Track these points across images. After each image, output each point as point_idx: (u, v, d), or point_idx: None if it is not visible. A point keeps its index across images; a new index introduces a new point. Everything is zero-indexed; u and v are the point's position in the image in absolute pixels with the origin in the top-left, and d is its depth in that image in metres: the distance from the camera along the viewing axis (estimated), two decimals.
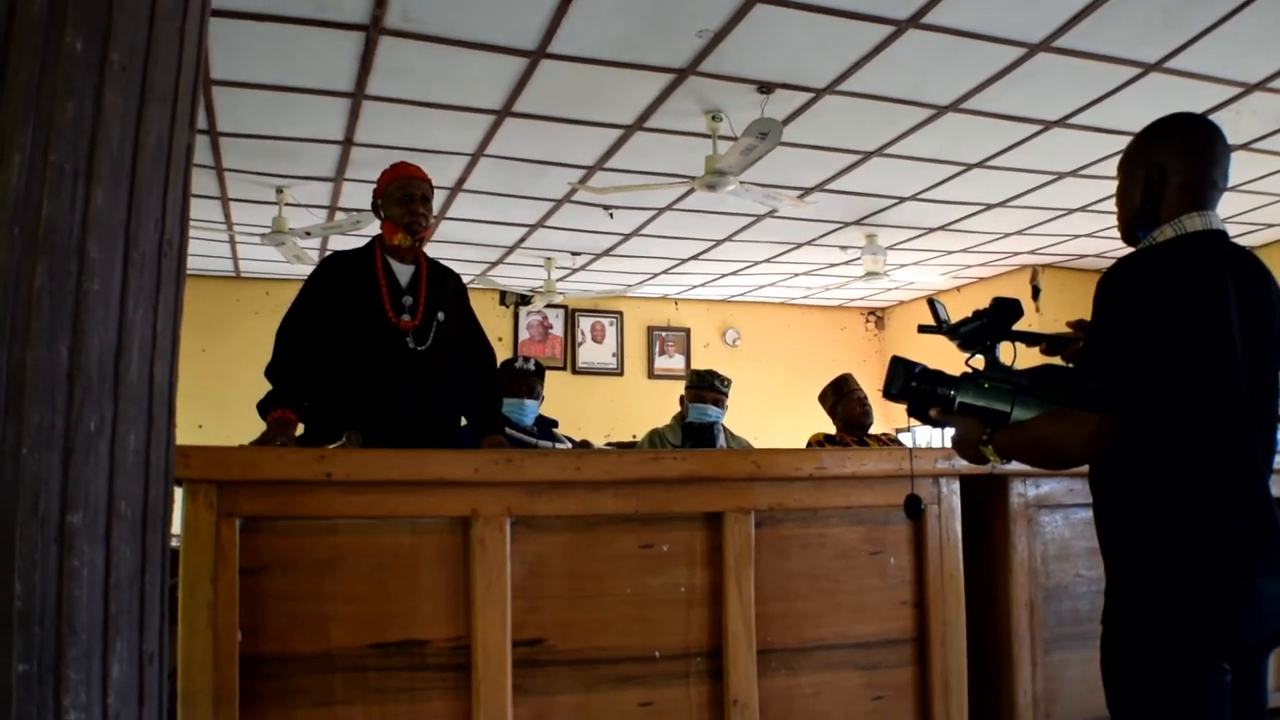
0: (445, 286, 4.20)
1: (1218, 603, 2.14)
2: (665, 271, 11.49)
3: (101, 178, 1.76)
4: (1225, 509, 2.19)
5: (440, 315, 4.08)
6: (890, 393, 2.54)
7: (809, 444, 6.11)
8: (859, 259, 10.31)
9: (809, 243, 10.12)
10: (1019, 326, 2.51)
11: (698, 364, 12.44)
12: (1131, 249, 2.39)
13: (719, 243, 10.08)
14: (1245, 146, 7.18)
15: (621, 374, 13.07)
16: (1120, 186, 2.45)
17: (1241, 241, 9.21)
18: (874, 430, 6.27)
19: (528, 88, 5.99)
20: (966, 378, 2.45)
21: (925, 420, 2.55)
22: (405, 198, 4.06)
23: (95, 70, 1.76)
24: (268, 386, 3.95)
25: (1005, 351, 2.51)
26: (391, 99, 6.19)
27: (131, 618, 1.81)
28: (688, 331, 13.42)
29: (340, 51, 5.49)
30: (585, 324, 12.94)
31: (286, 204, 8.13)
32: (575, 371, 12.83)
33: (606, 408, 12.47)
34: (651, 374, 13.15)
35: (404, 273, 4.09)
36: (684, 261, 10.96)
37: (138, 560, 1.82)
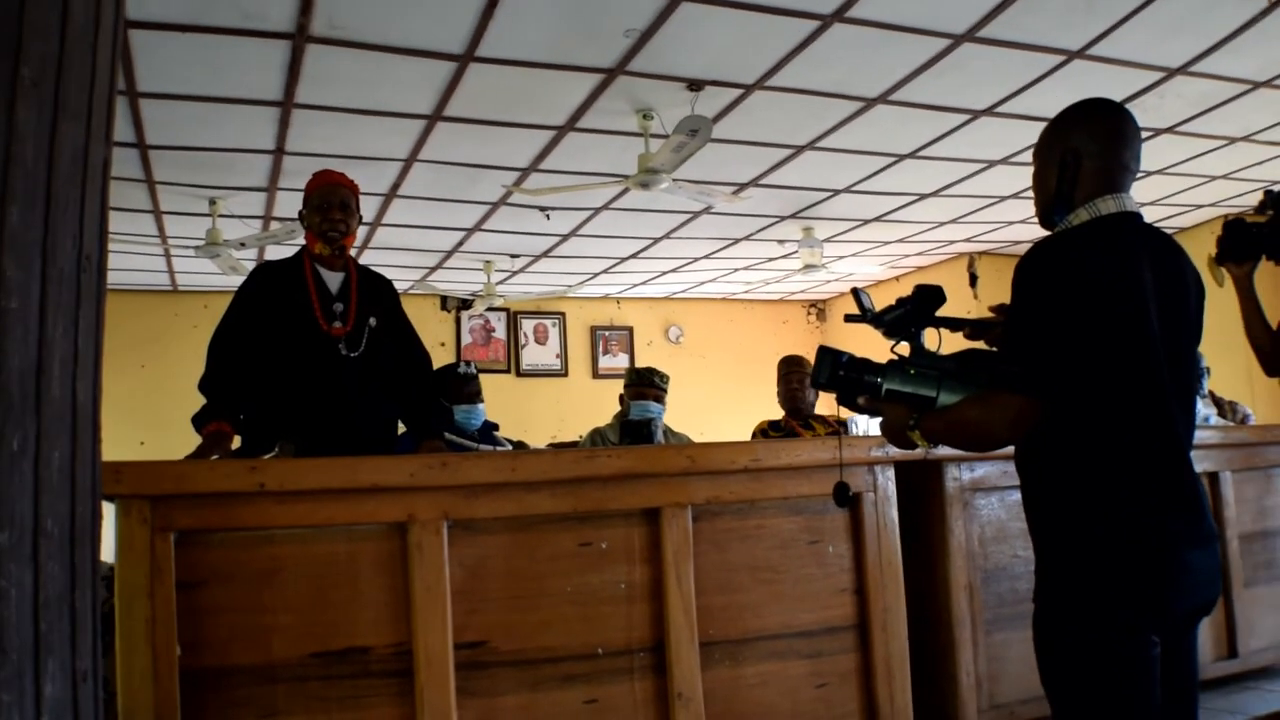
0: (376, 292, 4.18)
1: (1145, 576, 2.18)
2: (606, 271, 11.51)
3: (16, 195, 1.75)
4: (1149, 484, 2.23)
5: (372, 321, 4.07)
6: (819, 381, 2.56)
7: (754, 433, 6.13)
8: (796, 252, 10.37)
9: (746, 238, 10.17)
10: (947, 313, 2.54)
11: (642, 362, 12.46)
12: (1049, 233, 2.43)
13: (657, 240, 10.11)
14: (1170, 130, 7.31)
15: (566, 375, 13.07)
16: (1036, 172, 2.49)
17: (1168, 224, 9.45)
18: (822, 412, 6.28)
19: (458, 91, 5.99)
20: (892, 365, 2.48)
21: (854, 408, 2.58)
22: (323, 205, 4.05)
23: (6, 86, 1.75)
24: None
25: (930, 338, 2.54)
26: (321, 106, 6.16)
27: (63, 636, 1.80)
28: (631, 330, 13.44)
29: (268, 60, 5.46)
30: (528, 326, 12.93)
31: (220, 215, 8.07)
32: (519, 374, 12.81)
33: (552, 409, 12.46)
34: (596, 374, 13.16)
35: (333, 280, 4.07)
36: (624, 260, 10.98)
37: (67, 578, 1.81)
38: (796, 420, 6.04)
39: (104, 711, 1.97)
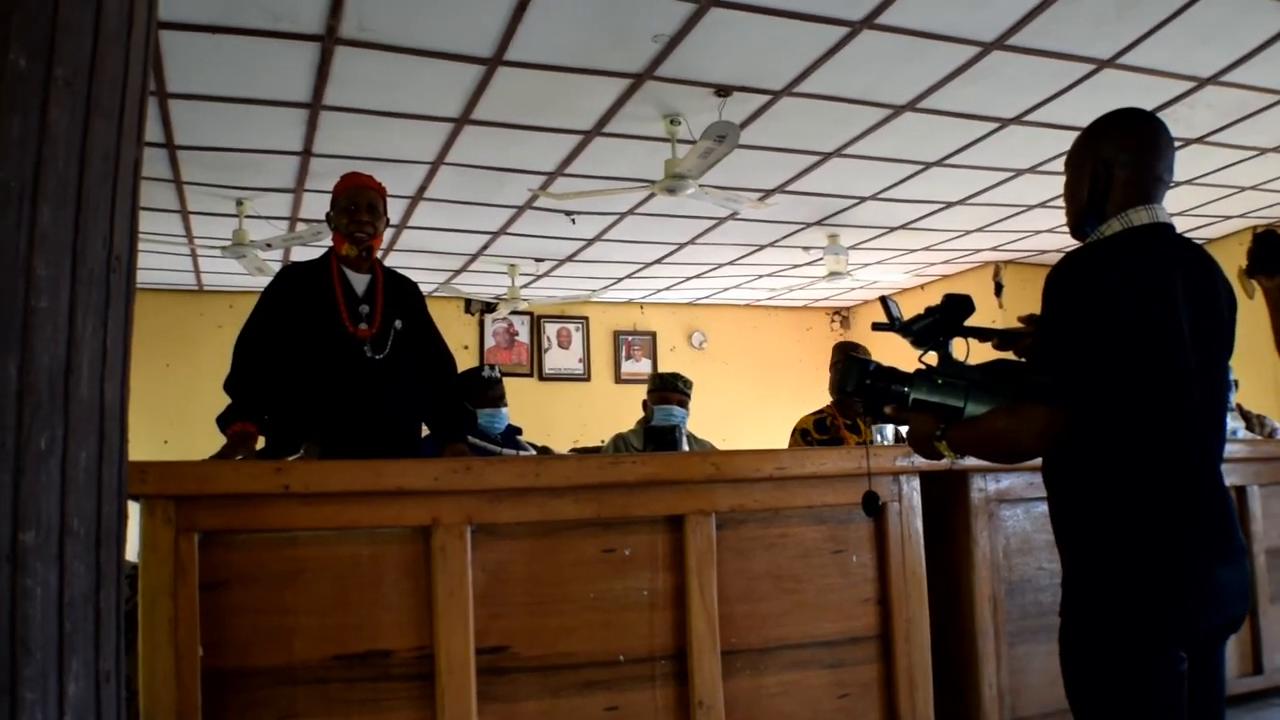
0: (402, 295, 4.18)
1: (1172, 591, 2.16)
2: (630, 276, 11.50)
3: (48, 195, 1.75)
4: (1178, 498, 2.21)
5: (398, 323, 4.06)
6: (845, 390, 2.56)
7: (796, 429, 5.97)
8: (821, 259, 10.35)
9: (771, 244, 10.15)
10: (972, 322, 2.53)
11: (664, 368, 12.45)
12: (1080, 243, 2.41)
13: (682, 246, 10.11)
14: (1200, 140, 7.27)
15: (588, 379, 13.07)
16: (1068, 182, 2.47)
17: (1197, 234, 9.40)
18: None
19: (485, 95, 5.99)
20: (920, 374, 2.47)
21: (881, 417, 2.56)
22: (351, 207, 4.04)
23: (40, 87, 1.76)
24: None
25: (958, 347, 2.52)
26: (349, 109, 6.18)
27: (87, 636, 1.80)
28: (654, 335, 13.43)
29: (297, 62, 5.48)
30: (551, 330, 12.94)
31: (247, 216, 8.10)
32: (542, 378, 12.81)
33: (574, 413, 12.46)
34: (618, 378, 13.15)
35: (360, 282, 4.07)
36: (648, 265, 10.98)
37: (92, 578, 1.82)
38: (844, 416, 5.88)
39: (126, 711, 1.97)
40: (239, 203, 7.96)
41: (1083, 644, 2.22)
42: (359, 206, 4.05)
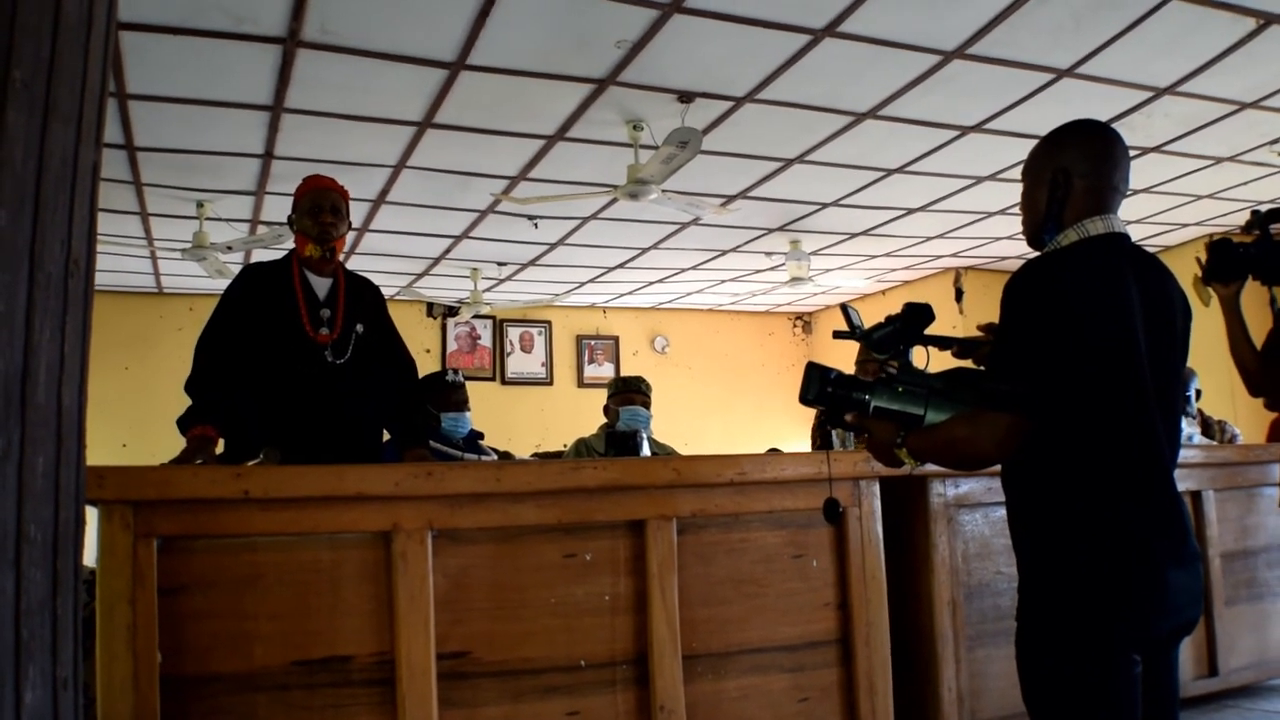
0: (364, 298, 4.16)
1: (1127, 595, 2.18)
2: (592, 280, 11.50)
3: (4, 199, 1.74)
4: (1132, 504, 2.23)
5: (359, 328, 4.04)
6: (806, 398, 2.56)
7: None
8: (783, 265, 10.37)
9: (734, 249, 10.18)
10: (932, 328, 2.54)
11: (627, 372, 12.45)
12: (1037, 252, 2.44)
13: (645, 251, 10.11)
14: (1157, 149, 7.34)
15: (551, 383, 13.04)
16: (1025, 192, 2.49)
17: (1154, 241, 9.47)
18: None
19: (448, 99, 5.98)
20: (880, 382, 2.48)
21: (842, 425, 2.57)
22: (314, 209, 4.03)
23: None
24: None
25: (918, 355, 2.54)
26: (311, 112, 6.15)
27: (44, 643, 1.79)
28: (616, 340, 13.42)
29: (258, 64, 5.45)
30: (514, 334, 12.90)
31: (207, 218, 8.04)
32: (504, 382, 12.78)
33: (536, 418, 12.43)
34: (581, 383, 13.13)
35: (321, 285, 4.05)
36: (611, 270, 10.98)
37: (49, 584, 1.80)
38: None
39: (84, 718, 1.96)
40: (199, 205, 7.90)
41: (1042, 649, 2.24)
42: (323, 208, 4.03)
